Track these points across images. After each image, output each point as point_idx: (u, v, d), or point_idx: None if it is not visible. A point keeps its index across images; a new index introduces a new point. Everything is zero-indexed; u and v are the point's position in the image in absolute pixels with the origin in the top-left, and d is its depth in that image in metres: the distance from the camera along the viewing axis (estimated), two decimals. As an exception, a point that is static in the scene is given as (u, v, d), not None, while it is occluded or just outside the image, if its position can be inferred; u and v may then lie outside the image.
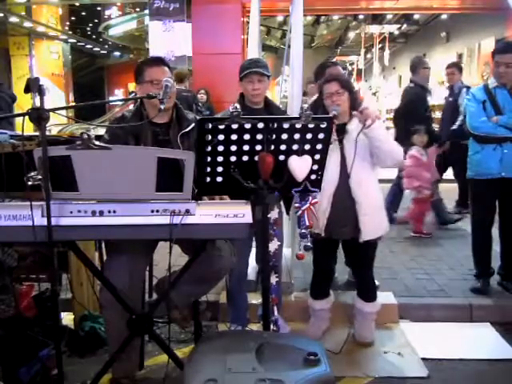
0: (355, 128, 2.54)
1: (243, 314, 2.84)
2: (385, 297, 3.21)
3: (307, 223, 2.22)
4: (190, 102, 6.03)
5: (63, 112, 10.84)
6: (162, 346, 2.24)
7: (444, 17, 12.49)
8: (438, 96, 12.13)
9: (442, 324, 3.09)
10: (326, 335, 2.88)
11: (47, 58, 15.73)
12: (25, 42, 15.02)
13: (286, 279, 3.16)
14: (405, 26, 14.84)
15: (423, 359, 2.67)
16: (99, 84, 24.86)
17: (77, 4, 16.41)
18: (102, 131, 2.50)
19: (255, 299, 2.98)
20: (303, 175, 1.95)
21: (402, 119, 5.41)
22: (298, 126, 1.87)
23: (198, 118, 2.20)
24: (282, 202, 2.72)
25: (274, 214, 2.46)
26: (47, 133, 1.74)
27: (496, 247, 3.40)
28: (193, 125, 2.30)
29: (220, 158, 1.88)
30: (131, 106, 2.54)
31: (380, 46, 15.78)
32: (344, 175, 2.57)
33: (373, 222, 2.61)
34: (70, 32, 17.79)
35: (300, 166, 1.93)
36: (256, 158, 1.88)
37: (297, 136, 1.89)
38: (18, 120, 1.83)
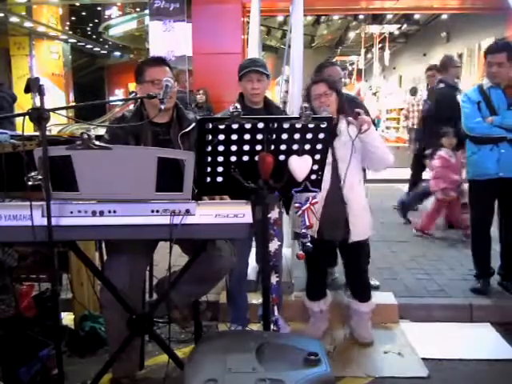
0: (345, 129, 2.54)
1: (243, 314, 2.84)
2: (385, 297, 3.22)
3: (307, 223, 2.22)
4: (185, 102, 6.06)
5: (63, 112, 10.84)
6: (163, 345, 2.24)
7: (444, 17, 12.49)
8: (438, 96, 12.12)
9: (442, 324, 3.09)
10: (326, 335, 2.89)
11: (47, 58, 15.73)
12: (25, 42, 15.03)
13: (286, 279, 3.16)
14: (405, 26, 14.84)
15: (423, 359, 2.67)
16: (99, 84, 24.86)
17: (77, 4, 16.41)
18: (102, 131, 2.50)
19: (255, 299, 2.98)
20: (303, 175, 1.95)
21: (431, 120, 5.43)
22: (298, 125, 1.88)
23: (198, 117, 2.20)
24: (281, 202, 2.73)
25: (274, 214, 2.47)
26: (47, 133, 1.74)
27: (496, 247, 3.40)
28: (193, 125, 2.30)
29: (220, 158, 1.88)
30: (131, 106, 2.54)
31: (380, 46, 15.78)
32: (335, 177, 2.57)
33: (361, 222, 2.64)
34: (71, 32, 17.79)
35: (300, 166, 1.93)
36: (256, 158, 1.88)
37: (297, 136, 1.89)
38: (19, 120, 1.83)
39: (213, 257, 2.16)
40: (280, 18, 13.75)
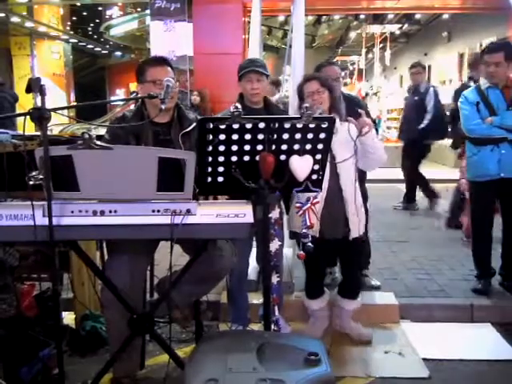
0: (340, 127, 2.54)
1: (244, 314, 2.84)
2: (386, 297, 3.22)
3: (308, 223, 2.22)
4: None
5: (64, 112, 10.85)
6: (163, 345, 2.24)
7: (445, 16, 12.48)
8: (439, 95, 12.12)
9: (443, 324, 3.09)
10: (326, 335, 2.88)
11: (48, 58, 15.77)
12: (26, 42, 15.06)
13: (286, 279, 3.16)
14: (406, 25, 14.83)
15: (424, 359, 2.66)
16: (100, 84, 24.90)
17: (78, 4, 16.45)
18: (103, 131, 2.50)
19: (256, 299, 2.98)
20: (304, 175, 1.95)
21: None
22: (299, 125, 1.87)
23: (199, 117, 2.20)
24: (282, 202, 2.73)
25: (274, 214, 2.47)
26: (48, 133, 1.74)
27: (497, 247, 3.40)
28: (194, 124, 2.30)
29: (221, 158, 1.88)
30: (132, 106, 2.55)
31: (381, 45, 15.76)
32: (334, 175, 2.57)
33: (358, 219, 2.65)
34: (72, 32, 17.83)
35: (301, 166, 1.93)
36: (257, 158, 1.88)
37: (298, 136, 1.89)
38: (20, 120, 1.84)
39: (214, 257, 2.16)
40: (281, 18, 13.76)
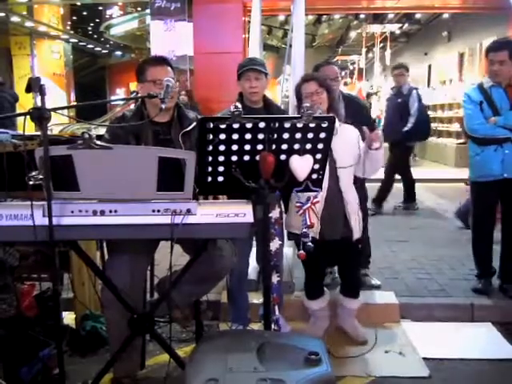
0: (339, 128, 2.54)
1: (244, 314, 2.84)
2: (386, 296, 3.22)
3: (308, 222, 2.22)
4: None
5: (64, 112, 10.84)
6: (164, 345, 2.24)
7: (445, 16, 12.46)
8: (439, 95, 12.14)
9: (444, 324, 3.09)
10: (327, 335, 2.88)
11: (49, 58, 15.75)
12: (26, 42, 15.05)
13: (287, 278, 3.16)
14: (406, 25, 14.80)
15: (424, 359, 2.66)
16: (100, 84, 24.89)
17: (78, 3, 16.43)
18: (103, 131, 2.50)
19: (256, 299, 2.98)
20: (304, 175, 1.95)
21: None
22: (300, 125, 1.87)
23: (199, 117, 2.20)
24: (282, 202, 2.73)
25: (275, 214, 2.47)
26: (48, 132, 1.74)
27: (497, 247, 3.39)
28: (194, 124, 2.30)
29: (221, 158, 1.88)
30: (132, 106, 2.54)
31: (381, 45, 15.75)
32: (334, 177, 2.56)
33: (358, 220, 2.65)
34: (72, 32, 17.82)
35: (301, 166, 1.93)
36: (257, 158, 1.88)
37: (298, 135, 1.89)
38: (20, 120, 1.83)
39: (214, 256, 2.16)
40: (281, 18, 13.74)
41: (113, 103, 16.22)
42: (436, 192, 6.95)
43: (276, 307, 2.42)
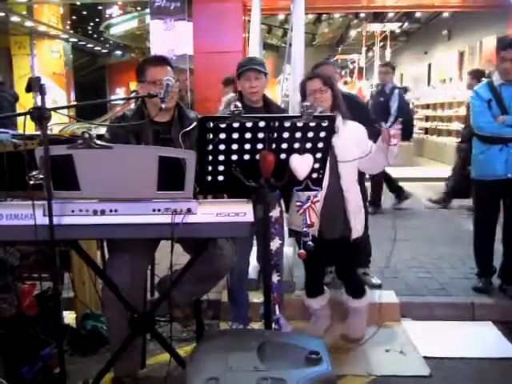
0: (342, 127, 2.54)
1: (245, 313, 2.84)
2: (386, 295, 3.22)
3: (309, 221, 2.22)
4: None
5: (64, 111, 10.84)
6: (164, 344, 2.24)
7: (445, 15, 12.47)
8: (439, 94, 12.12)
9: (444, 322, 3.09)
10: (328, 334, 2.89)
11: (48, 58, 15.74)
12: (26, 42, 15.04)
13: (287, 278, 3.16)
14: (406, 24, 14.80)
15: (425, 357, 2.67)
16: (100, 83, 24.87)
17: (78, 3, 16.41)
18: (103, 130, 2.50)
19: (257, 298, 2.98)
20: (304, 174, 1.95)
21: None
22: (300, 124, 1.87)
23: (199, 116, 2.20)
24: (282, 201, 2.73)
25: (275, 213, 2.47)
26: (48, 132, 1.74)
27: (499, 246, 3.39)
28: (194, 123, 2.30)
29: (221, 157, 1.88)
30: (132, 105, 2.54)
31: (381, 44, 15.75)
32: (334, 174, 2.56)
33: (359, 219, 2.65)
34: (72, 31, 17.80)
35: (301, 165, 1.93)
36: (257, 157, 1.88)
37: (298, 134, 1.89)
38: (20, 119, 1.84)
39: (214, 256, 2.16)
40: (281, 17, 13.73)
41: (113, 103, 16.21)
42: (436, 191, 6.93)
43: (276, 306, 2.42)
